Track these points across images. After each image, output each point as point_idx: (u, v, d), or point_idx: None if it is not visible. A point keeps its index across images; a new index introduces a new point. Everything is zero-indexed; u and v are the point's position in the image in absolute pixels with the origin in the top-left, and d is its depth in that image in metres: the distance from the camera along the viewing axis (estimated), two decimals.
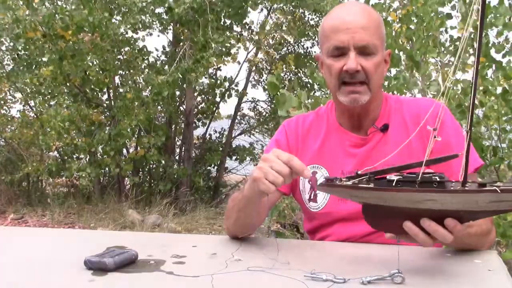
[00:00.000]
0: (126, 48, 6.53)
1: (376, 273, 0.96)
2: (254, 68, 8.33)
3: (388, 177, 0.94)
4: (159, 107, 6.77)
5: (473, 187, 0.89)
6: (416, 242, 0.96)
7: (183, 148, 7.33)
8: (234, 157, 7.90)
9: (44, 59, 5.91)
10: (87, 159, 6.35)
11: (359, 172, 0.99)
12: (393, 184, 0.92)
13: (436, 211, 0.90)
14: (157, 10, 6.18)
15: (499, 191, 0.85)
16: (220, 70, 7.53)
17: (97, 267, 1.05)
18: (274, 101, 8.35)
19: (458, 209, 0.89)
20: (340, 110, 1.41)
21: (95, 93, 6.55)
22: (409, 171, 0.95)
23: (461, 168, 0.89)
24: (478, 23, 0.83)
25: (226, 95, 7.65)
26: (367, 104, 1.32)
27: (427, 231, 0.93)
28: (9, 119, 7.07)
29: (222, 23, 6.65)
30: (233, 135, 8.11)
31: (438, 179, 0.89)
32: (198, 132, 7.85)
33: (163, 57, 7.03)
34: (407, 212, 0.93)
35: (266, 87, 8.76)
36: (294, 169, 1.07)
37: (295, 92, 2.57)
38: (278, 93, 2.56)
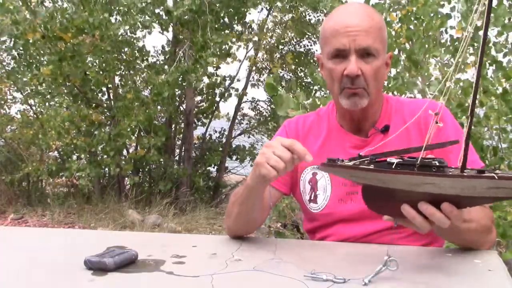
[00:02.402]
0: (126, 49, 6.53)
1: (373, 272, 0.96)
2: (254, 67, 8.32)
3: (388, 159, 0.95)
4: (159, 107, 6.77)
5: (472, 173, 0.89)
6: (413, 225, 0.96)
7: (183, 148, 7.32)
8: (234, 157, 7.89)
9: (44, 59, 5.91)
10: (87, 159, 6.35)
11: (361, 154, 0.99)
12: (393, 166, 0.92)
13: (434, 195, 0.91)
14: (156, 11, 6.18)
15: (497, 178, 0.85)
16: (220, 68, 7.52)
17: (97, 267, 1.05)
18: (273, 101, 8.35)
19: (456, 194, 0.90)
20: (341, 112, 1.41)
21: (95, 93, 6.55)
22: (410, 155, 0.96)
23: (460, 155, 0.89)
24: (484, 21, 0.83)
25: (226, 94, 7.65)
26: (367, 107, 1.32)
27: (424, 215, 0.93)
28: (9, 119, 7.07)
29: (221, 23, 6.66)
30: (233, 135, 8.11)
31: (437, 164, 0.90)
32: (198, 132, 7.85)
33: (162, 57, 7.03)
34: (406, 195, 0.93)
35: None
36: (296, 153, 1.08)
37: (293, 92, 2.57)
38: (276, 94, 2.56)
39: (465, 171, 0.90)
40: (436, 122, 0.93)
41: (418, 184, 0.90)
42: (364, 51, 1.25)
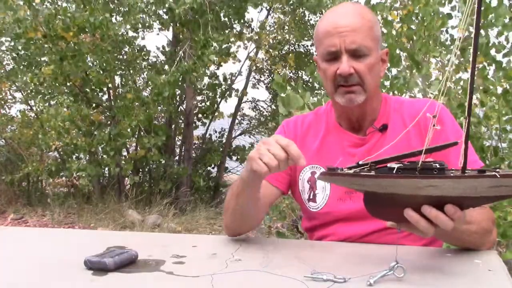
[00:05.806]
0: (126, 48, 6.53)
1: (377, 272, 0.96)
2: (254, 67, 8.32)
3: (389, 165, 0.94)
4: (159, 107, 6.77)
5: (473, 173, 0.89)
6: (417, 230, 0.96)
7: (183, 148, 7.32)
8: (234, 157, 7.89)
9: (44, 58, 5.91)
10: (87, 159, 6.35)
11: (360, 162, 0.99)
12: (394, 171, 0.92)
13: (437, 197, 0.91)
14: (157, 11, 6.18)
15: (498, 176, 0.85)
16: (222, 66, 7.50)
17: (97, 267, 1.05)
18: (275, 101, 8.36)
19: (458, 195, 0.89)
20: (339, 111, 1.41)
21: (95, 93, 6.55)
22: (409, 160, 0.96)
23: (460, 156, 0.89)
24: (474, 22, 0.83)
25: (226, 94, 7.64)
26: (364, 104, 1.32)
27: (428, 218, 0.93)
28: (9, 119, 7.07)
29: (221, 22, 6.65)
30: (233, 135, 8.11)
31: (438, 167, 0.90)
32: (198, 132, 7.85)
33: (162, 57, 7.02)
34: (408, 199, 0.93)
35: (267, 86, 8.77)
36: (290, 155, 1.07)
37: (298, 92, 2.57)
38: (284, 93, 2.57)
39: (466, 171, 0.90)
40: (434, 125, 0.93)
41: (420, 187, 0.90)
42: (355, 50, 1.26)
